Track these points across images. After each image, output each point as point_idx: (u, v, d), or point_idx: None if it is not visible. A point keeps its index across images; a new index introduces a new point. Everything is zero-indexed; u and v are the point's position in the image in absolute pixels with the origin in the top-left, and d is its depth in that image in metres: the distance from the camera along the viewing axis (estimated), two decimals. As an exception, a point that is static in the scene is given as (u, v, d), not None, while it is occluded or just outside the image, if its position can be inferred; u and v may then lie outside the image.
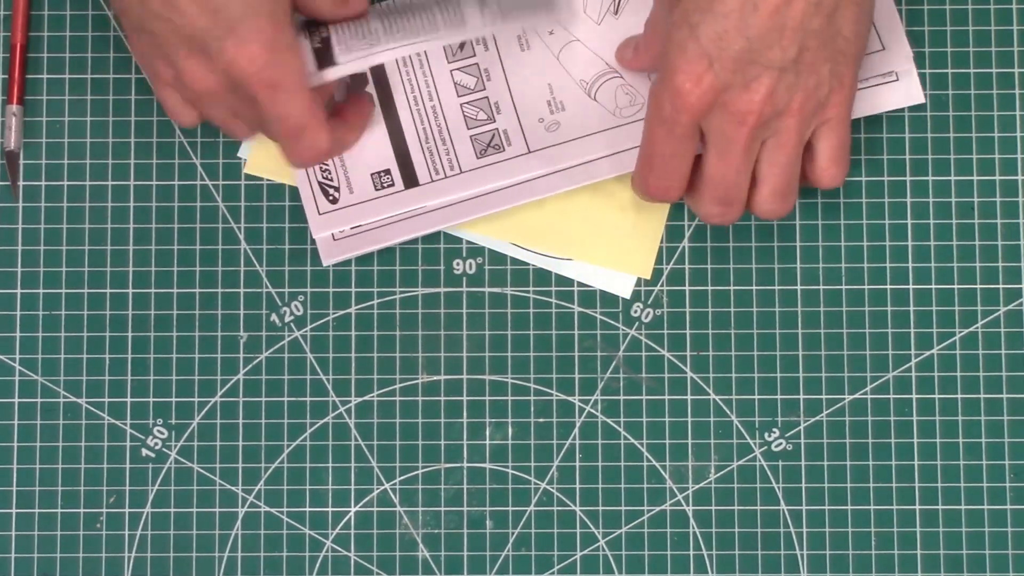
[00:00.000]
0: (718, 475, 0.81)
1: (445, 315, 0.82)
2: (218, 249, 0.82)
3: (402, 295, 0.82)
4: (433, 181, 0.81)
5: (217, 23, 0.70)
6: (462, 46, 0.83)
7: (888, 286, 0.82)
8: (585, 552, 0.81)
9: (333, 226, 0.81)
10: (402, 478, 0.81)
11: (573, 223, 0.82)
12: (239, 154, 0.82)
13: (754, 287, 0.82)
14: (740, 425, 0.81)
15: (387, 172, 0.82)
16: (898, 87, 0.82)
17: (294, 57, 0.72)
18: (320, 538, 0.81)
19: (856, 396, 0.81)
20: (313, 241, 0.82)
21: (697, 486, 0.81)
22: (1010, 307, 0.82)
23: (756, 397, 0.81)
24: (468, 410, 0.82)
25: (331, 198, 0.82)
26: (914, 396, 0.81)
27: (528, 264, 0.82)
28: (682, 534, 0.81)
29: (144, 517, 0.81)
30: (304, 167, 0.80)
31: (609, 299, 0.82)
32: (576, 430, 0.81)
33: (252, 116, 0.74)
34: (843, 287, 0.82)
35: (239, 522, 0.81)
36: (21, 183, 0.82)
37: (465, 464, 0.81)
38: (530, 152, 0.82)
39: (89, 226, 0.82)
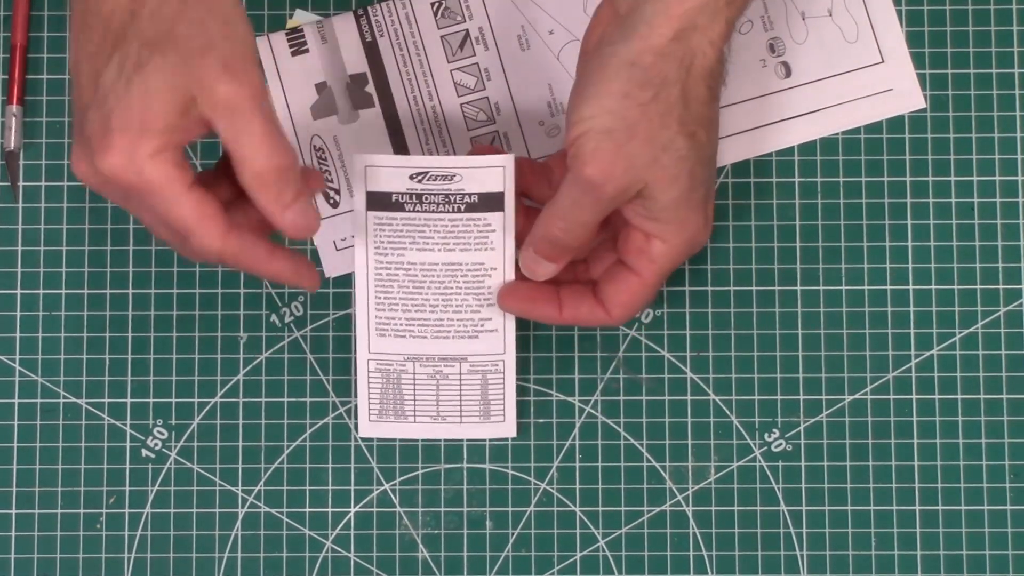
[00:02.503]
0: (718, 476, 0.81)
1: (445, 315, 0.82)
2: (218, 250, 0.82)
3: (402, 295, 0.82)
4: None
5: (96, 101, 0.67)
6: (462, 45, 0.83)
7: (888, 287, 0.82)
8: (585, 553, 0.81)
9: (335, 233, 0.81)
10: (402, 478, 0.81)
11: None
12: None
13: (754, 287, 0.82)
14: (740, 426, 0.81)
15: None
16: (898, 95, 0.82)
17: (161, 163, 0.66)
18: (320, 539, 0.81)
19: (856, 397, 0.81)
20: (313, 242, 0.82)
21: (697, 487, 0.81)
22: (1010, 308, 0.82)
23: (756, 398, 0.81)
24: (468, 410, 0.82)
25: (332, 201, 0.82)
26: (914, 397, 0.81)
27: (528, 264, 0.82)
28: (682, 535, 0.81)
29: (144, 518, 0.81)
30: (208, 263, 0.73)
31: (609, 299, 0.82)
32: (576, 430, 0.81)
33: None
34: (843, 287, 0.82)
35: (239, 523, 0.81)
36: (21, 183, 0.82)
37: (465, 464, 0.81)
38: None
39: (89, 227, 0.82)
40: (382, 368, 0.78)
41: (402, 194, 0.77)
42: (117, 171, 0.66)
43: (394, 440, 0.81)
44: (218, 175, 0.71)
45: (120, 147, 0.65)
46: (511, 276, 0.78)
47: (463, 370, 0.78)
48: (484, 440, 0.81)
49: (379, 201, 0.77)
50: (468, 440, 0.81)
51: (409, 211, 0.77)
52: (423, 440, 0.81)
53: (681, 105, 0.71)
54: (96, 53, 0.67)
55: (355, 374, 0.79)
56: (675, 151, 0.71)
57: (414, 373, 0.78)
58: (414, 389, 0.78)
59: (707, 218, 0.74)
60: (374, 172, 0.77)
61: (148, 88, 0.66)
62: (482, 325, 0.78)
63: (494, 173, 0.77)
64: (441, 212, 0.77)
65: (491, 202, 0.77)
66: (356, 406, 0.79)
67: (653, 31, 0.70)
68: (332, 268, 0.82)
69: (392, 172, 0.77)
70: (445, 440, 0.81)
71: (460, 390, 0.78)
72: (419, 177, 0.77)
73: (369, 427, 0.79)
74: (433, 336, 0.78)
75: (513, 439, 0.81)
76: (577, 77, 0.73)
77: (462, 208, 0.77)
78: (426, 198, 0.77)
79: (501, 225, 0.77)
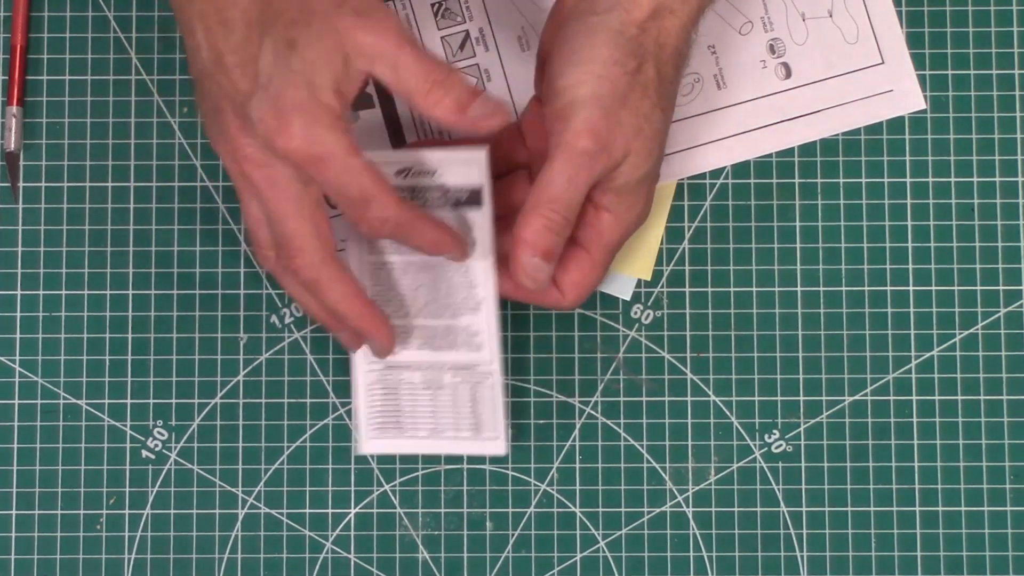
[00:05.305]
0: (718, 476, 0.81)
1: (445, 316, 0.82)
2: (218, 251, 0.82)
3: (402, 296, 0.82)
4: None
5: (257, 90, 0.68)
6: (463, 46, 0.83)
7: (888, 288, 0.82)
8: (585, 554, 0.81)
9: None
10: (402, 479, 0.81)
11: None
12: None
13: (754, 288, 0.82)
14: (740, 427, 0.81)
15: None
16: (898, 96, 0.82)
17: (339, 133, 0.68)
18: (320, 539, 0.81)
19: (856, 398, 0.81)
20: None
21: (697, 488, 0.81)
22: (1010, 309, 0.82)
23: (756, 399, 0.81)
24: (468, 412, 0.82)
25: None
26: (914, 398, 0.81)
27: (528, 265, 0.82)
28: (682, 536, 0.81)
29: (144, 519, 0.81)
30: (377, 237, 0.74)
31: (609, 300, 0.82)
32: (576, 431, 0.81)
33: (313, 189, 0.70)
34: (843, 288, 0.82)
35: (239, 523, 0.81)
36: (21, 184, 0.82)
37: (465, 465, 0.81)
38: None
39: (89, 227, 0.82)
40: (382, 379, 0.78)
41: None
42: (299, 148, 0.68)
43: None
44: None
45: (299, 124, 0.67)
46: (492, 278, 0.75)
47: (455, 381, 0.77)
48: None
49: None
50: (463, 455, 0.80)
51: None
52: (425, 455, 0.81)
53: (657, 80, 0.72)
54: (244, 43, 0.68)
55: (354, 388, 0.78)
56: (653, 123, 0.72)
57: (412, 383, 0.77)
58: (413, 400, 0.77)
59: (651, 196, 0.74)
60: None
61: (307, 62, 0.67)
62: (469, 334, 0.76)
63: (468, 168, 0.74)
64: (433, 207, 0.75)
65: (473, 199, 0.75)
66: (356, 422, 0.78)
67: (635, 6, 0.71)
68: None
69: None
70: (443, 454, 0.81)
71: (454, 402, 0.77)
72: (404, 173, 0.75)
73: (370, 444, 0.78)
74: (428, 345, 0.77)
75: (512, 439, 0.81)
76: (557, 46, 0.72)
77: (449, 205, 0.75)
78: (418, 193, 0.75)
79: (480, 224, 0.74)
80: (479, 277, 0.75)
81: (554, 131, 0.71)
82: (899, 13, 0.83)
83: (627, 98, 0.71)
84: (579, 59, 0.71)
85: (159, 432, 0.81)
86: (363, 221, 0.70)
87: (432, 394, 0.77)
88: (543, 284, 0.72)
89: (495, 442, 0.77)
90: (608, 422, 0.81)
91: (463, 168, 0.74)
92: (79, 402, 0.81)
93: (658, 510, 0.81)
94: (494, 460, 0.81)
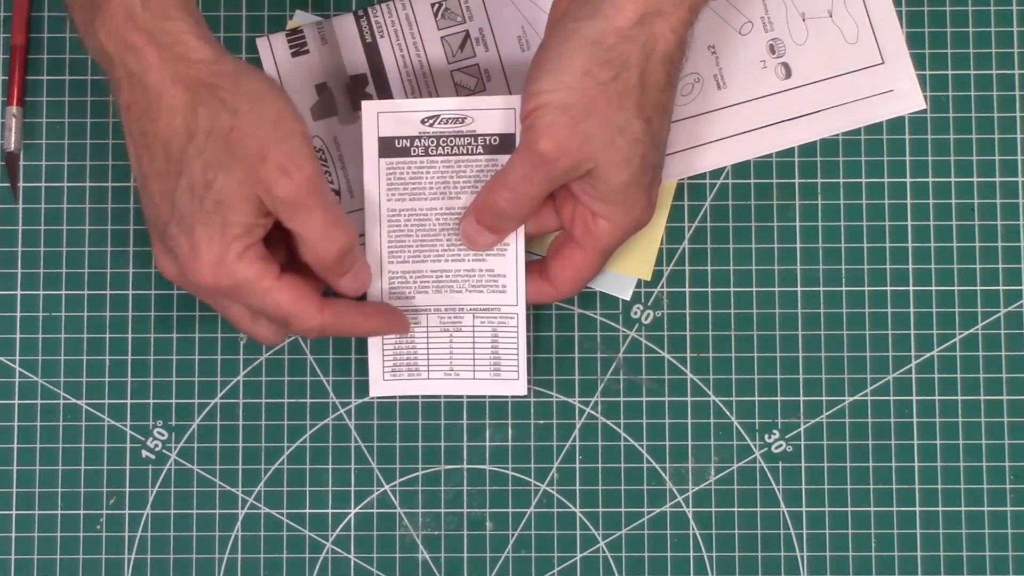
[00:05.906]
0: (718, 477, 0.81)
1: (445, 317, 0.82)
2: (218, 251, 0.82)
3: (402, 297, 0.82)
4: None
5: (173, 220, 0.70)
6: (463, 46, 0.83)
7: (888, 288, 0.82)
8: (585, 554, 0.81)
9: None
10: (402, 479, 0.81)
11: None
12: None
13: (754, 288, 0.82)
14: (740, 427, 0.81)
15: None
16: (898, 96, 0.82)
17: (248, 262, 0.70)
18: (320, 540, 0.81)
19: (856, 398, 0.81)
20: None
21: (697, 488, 0.81)
22: (1010, 309, 0.82)
23: (756, 399, 0.81)
24: (468, 412, 0.82)
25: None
26: (914, 398, 0.81)
27: (528, 266, 0.82)
28: (682, 536, 0.81)
29: (144, 519, 0.81)
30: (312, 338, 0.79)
31: (609, 301, 0.82)
32: (576, 432, 0.81)
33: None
34: (843, 288, 0.82)
35: (239, 524, 0.81)
36: (21, 184, 0.82)
37: (465, 466, 0.81)
38: None
39: (89, 228, 0.82)
40: None
41: (415, 138, 0.77)
42: (211, 281, 0.70)
43: (407, 428, 0.81)
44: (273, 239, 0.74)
45: (208, 260, 0.70)
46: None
47: (475, 323, 0.78)
48: (485, 443, 0.81)
49: (391, 147, 0.77)
50: (483, 395, 0.80)
51: (426, 155, 0.77)
52: (441, 395, 0.81)
53: (639, 89, 0.72)
54: (164, 173, 0.71)
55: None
56: (631, 134, 0.72)
57: (427, 326, 0.78)
58: (427, 342, 0.78)
59: (651, 200, 0.75)
60: (385, 119, 0.77)
61: (221, 202, 0.69)
62: (493, 276, 0.78)
63: (506, 115, 0.77)
64: (459, 155, 0.77)
65: (507, 144, 0.77)
66: (368, 363, 0.79)
67: (618, 12, 0.71)
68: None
69: (403, 117, 0.77)
70: (467, 396, 0.81)
71: (473, 343, 0.78)
72: (430, 121, 0.77)
73: (383, 386, 0.79)
74: (448, 288, 0.78)
75: (512, 439, 0.81)
76: (539, 49, 0.74)
77: (480, 150, 0.77)
78: (443, 141, 0.77)
79: None
80: None
81: (523, 129, 0.73)
82: (899, 13, 0.83)
83: (596, 108, 0.71)
84: (552, 67, 0.72)
85: (159, 432, 0.81)
86: (292, 332, 0.74)
87: (450, 336, 0.78)
88: (480, 247, 0.77)
89: (516, 382, 0.78)
90: (608, 422, 0.81)
91: (497, 115, 0.77)
92: (79, 402, 0.81)
93: (658, 510, 0.81)
94: (494, 460, 0.81)
